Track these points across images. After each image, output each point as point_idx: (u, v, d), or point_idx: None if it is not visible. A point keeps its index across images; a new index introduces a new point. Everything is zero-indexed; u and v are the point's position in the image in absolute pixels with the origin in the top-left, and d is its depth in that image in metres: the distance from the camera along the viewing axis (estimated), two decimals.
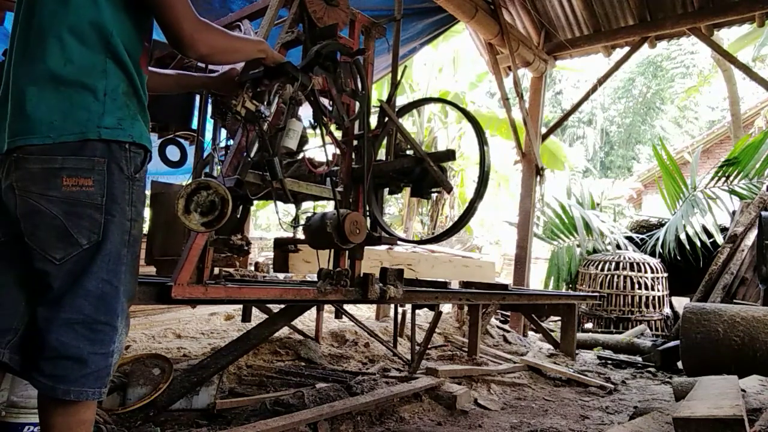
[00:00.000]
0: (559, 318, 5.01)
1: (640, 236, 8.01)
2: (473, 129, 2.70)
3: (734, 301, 5.49)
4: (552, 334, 5.02)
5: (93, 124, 1.23)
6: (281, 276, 4.67)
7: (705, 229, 7.04)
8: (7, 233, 1.27)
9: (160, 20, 1.34)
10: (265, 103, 1.84)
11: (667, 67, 24.97)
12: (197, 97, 2.79)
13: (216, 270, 2.48)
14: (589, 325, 6.79)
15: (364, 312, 6.05)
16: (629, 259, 6.88)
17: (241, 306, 4.37)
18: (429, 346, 3.88)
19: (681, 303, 5.88)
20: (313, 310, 4.12)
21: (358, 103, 2.46)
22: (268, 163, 2.03)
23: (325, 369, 3.61)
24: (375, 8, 4.20)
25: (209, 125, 2.70)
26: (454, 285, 4.62)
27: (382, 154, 2.78)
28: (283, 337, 4.02)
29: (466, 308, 5.17)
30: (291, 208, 2.89)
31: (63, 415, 1.23)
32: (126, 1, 1.30)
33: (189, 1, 1.34)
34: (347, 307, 4.59)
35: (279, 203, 2.35)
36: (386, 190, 2.96)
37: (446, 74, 11.38)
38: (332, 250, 2.53)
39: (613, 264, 6.87)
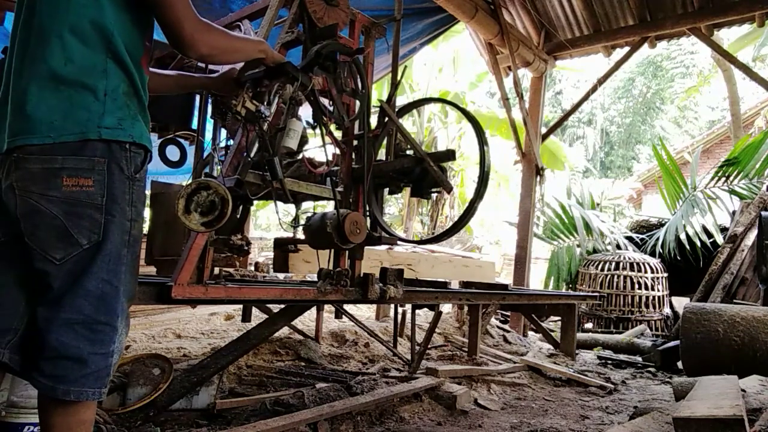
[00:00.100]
0: (559, 318, 5.01)
1: (640, 236, 8.01)
2: (473, 129, 2.70)
3: (734, 301, 5.49)
4: (552, 334, 5.01)
5: (93, 124, 1.23)
6: (281, 276, 4.67)
7: (705, 229, 7.04)
8: (7, 233, 1.27)
9: (161, 20, 1.34)
10: (265, 103, 1.84)
11: (667, 67, 24.97)
12: (197, 97, 2.79)
13: (216, 270, 2.48)
14: (589, 325, 6.79)
15: (364, 312, 6.05)
16: (629, 259, 6.88)
17: (241, 306, 4.37)
18: (429, 346, 3.88)
19: (681, 303, 5.88)
20: (313, 310, 4.12)
21: (358, 103, 2.46)
22: (268, 163, 2.03)
23: (325, 369, 3.61)
24: (375, 8, 4.20)
25: (209, 125, 2.70)
26: (454, 285, 4.62)
27: (382, 154, 2.78)
28: (283, 337, 4.02)
29: (466, 308, 5.17)
30: (291, 208, 2.89)
31: (63, 415, 1.23)
32: (127, 1, 1.30)
33: (190, 1, 1.34)
34: (347, 307, 4.59)
35: (279, 203, 2.35)
36: (386, 190, 2.96)
37: (446, 74, 11.38)
38: (332, 250, 2.54)
39: (613, 264, 6.87)
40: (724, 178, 7.64)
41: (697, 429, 1.82)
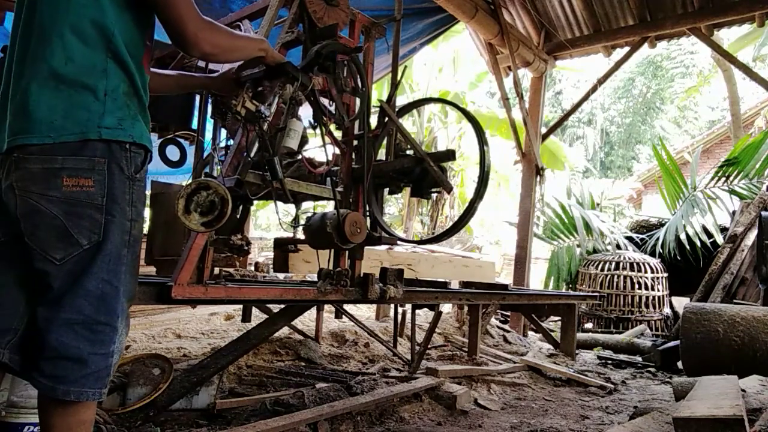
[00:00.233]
0: (559, 318, 5.01)
1: (640, 236, 8.01)
2: (473, 129, 2.70)
3: (734, 301, 5.49)
4: (552, 334, 5.01)
5: (93, 124, 1.23)
6: (281, 276, 4.67)
7: (705, 229, 7.04)
8: (7, 233, 1.27)
9: (163, 19, 1.33)
10: (266, 103, 1.84)
11: (667, 67, 24.96)
12: (197, 97, 2.79)
13: (216, 270, 2.48)
14: (589, 325, 6.79)
15: (364, 312, 6.05)
16: (629, 259, 6.88)
17: (241, 306, 4.37)
18: (429, 346, 3.88)
19: (681, 303, 5.88)
20: (313, 310, 4.12)
21: (358, 103, 2.45)
22: (268, 163, 2.03)
23: (325, 369, 3.61)
24: (375, 8, 4.20)
25: (209, 125, 2.70)
26: (454, 285, 4.62)
27: (382, 154, 2.78)
28: (283, 337, 4.02)
29: (466, 308, 5.17)
30: (291, 208, 2.89)
31: (63, 416, 1.23)
32: (128, 1, 1.30)
33: (192, 0, 1.34)
34: (347, 307, 4.59)
35: (279, 203, 2.35)
36: (386, 190, 2.96)
37: (446, 74, 11.38)
38: (332, 250, 2.53)
39: (613, 264, 6.87)
40: (724, 178, 7.64)
41: (697, 429, 1.82)
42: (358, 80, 2.36)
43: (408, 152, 2.74)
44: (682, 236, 7.07)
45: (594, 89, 6.54)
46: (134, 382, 2.34)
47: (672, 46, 21.39)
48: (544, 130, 6.71)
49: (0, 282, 1.28)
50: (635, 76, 26.02)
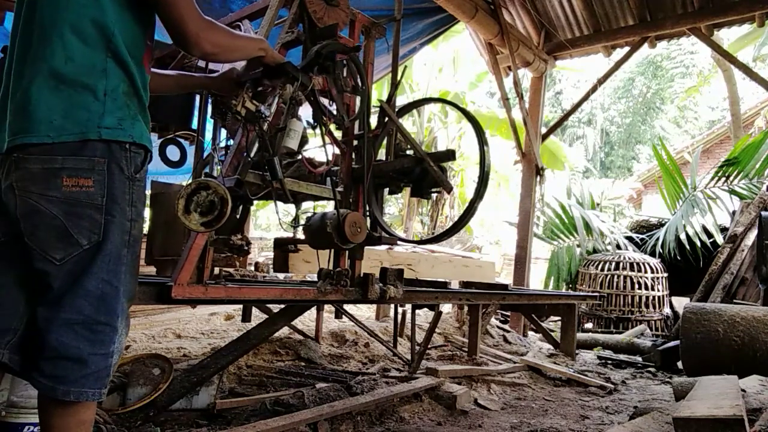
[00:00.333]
0: (559, 318, 5.01)
1: (640, 236, 8.01)
2: (473, 129, 2.69)
3: (734, 301, 5.49)
4: (552, 334, 5.01)
5: (93, 124, 1.23)
6: (281, 276, 4.67)
7: (705, 229, 7.04)
8: (7, 233, 1.27)
9: (164, 18, 1.33)
10: (266, 103, 1.84)
11: (667, 67, 24.97)
12: (197, 97, 2.79)
13: (216, 270, 2.48)
14: (589, 325, 6.79)
15: (364, 312, 6.05)
16: (629, 259, 6.88)
17: (241, 306, 4.37)
18: (429, 346, 3.88)
19: (681, 303, 5.89)
20: (313, 310, 4.12)
21: (358, 103, 2.45)
22: (268, 163, 2.03)
23: (325, 369, 3.61)
24: (375, 8, 4.20)
25: (209, 125, 2.70)
26: (454, 285, 4.62)
27: (382, 154, 2.78)
28: (283, 337, 4.02)
29: (466, 308, 5.17)
30: (291, 208, 2.89)
31: (62, 416, 1.23)
32: (129, 0, 1.30)
33: (193, 0, 1.34)
34: (347, 307, 4.59)
35: (279, 203, 2.35)
36: (386, 190, 2.96)
37: (446, 74, 11.38)
38: (332, 250, 2.53)
39: (613, 264, 6.87)
40: (724, 178, 7.64)
41: (697, 429, 1.82)
42: (358, 80, 2.36)
43: (408, 152, 2.74)
44: (682, 236, 7.07)
45: (594, 89, 6.54)
46: (134, 382, 2.34)
47: (672, 46, 21.41)
48: (544, 130, 6.71)
49: (0, 282, 1.27)
50: (635, 76, 26.02)
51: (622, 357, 5.00)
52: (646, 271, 6.71)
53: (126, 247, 1.29)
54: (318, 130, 2.17)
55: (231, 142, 2.36)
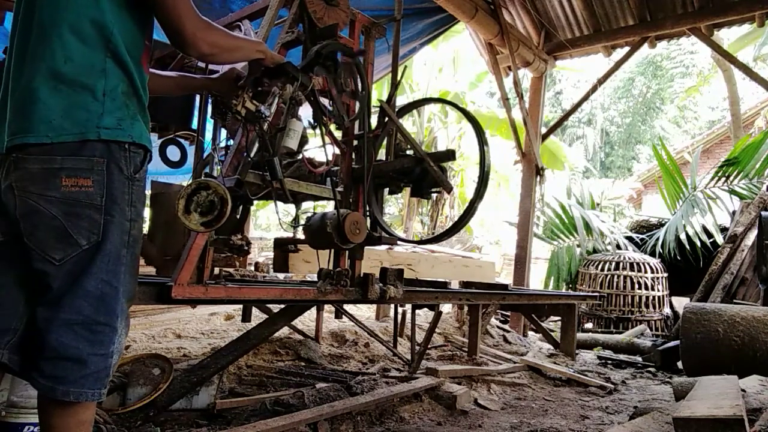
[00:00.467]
0: (559, 318, 5.01)
1: (640, 236, 8.01)
2: (473, 129, 2.70)
3: (734, 301, 5.49)
4: (552, 334, 5.01)
5: (92, 124, 1.23)
6: (281, 276, 4.67)
7: (705, 229, 7.04)
8: (7, 233, 1.27)
9: (162, 19, 1.33)
10: (266, 103, 1.84)
11: (667, 67, 24.96)
12: (197, 98, 2.79)
13: (216, 270, 2.48)
14: (589, 325, 6.79)
15: (364, 312, 6.05)
16: (629, 259, 6.88)
17: (241, 306, 4.37)
18: (429, 346, 3.88)
19: (681, 303, 5.88)
20: (313, 310, 4.12)
21: (358, 103, 2.46)
22: (268, 163, 2.03)
23: (325, 369, 3.61)
24: (375, 8, 4.20)
25: (209, 125, 2.70)
26: (454, 285, 4.62)
27: (382, 154, 2.78)
28: (283, 337, 4.02)
29: (466, 308, 5.17)
30: (291, 208, 2.89)
31: (62, 416, 1.23)
32: (128, 0, 1.30)
33: (191, 1, 1.34)
34: (347, 307, 4.59)
35: (279, 203, 2.35)
36: (386, 190, 2.96)
37: (446, 74, 11.38)
38: (332, 250, 2.53)
39: (613, 264, 6.87)
40: (724, 178, 7.64)
41: (697, 429, 1.82)
42: (358, 80, 2.36)
43: (408, 152, 2.74)
44: (682, 236, 7.07)
45: (594, 89, 6.54)
46: (134, 382, 2.34)
47: (672, 46, 21.40)
48: (544, 130, 6.71)
49: (0, 282, 1.27)
50: (635, 76, 26.02)
51: (622, 357, 5.00)
52: (646, 271, 6.71)
53: (125, 248, 1.29)
54: (318, 130, 2.17)
55: (231, 142, 2.36)
